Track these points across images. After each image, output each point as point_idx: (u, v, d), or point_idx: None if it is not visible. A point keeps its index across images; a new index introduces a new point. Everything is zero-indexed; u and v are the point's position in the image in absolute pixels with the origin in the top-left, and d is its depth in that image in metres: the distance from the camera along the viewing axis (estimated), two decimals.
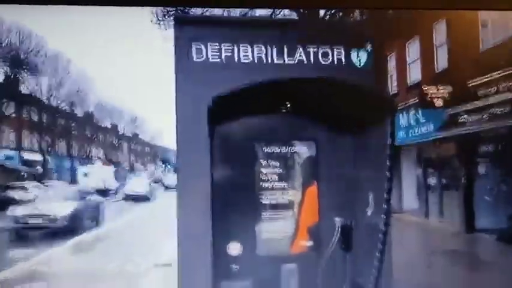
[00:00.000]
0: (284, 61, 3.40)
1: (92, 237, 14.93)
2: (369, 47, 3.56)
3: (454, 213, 13.68)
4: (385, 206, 3.02)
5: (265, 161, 3.54)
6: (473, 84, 12.18)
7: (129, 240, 14.19)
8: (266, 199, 3.52)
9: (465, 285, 7.86)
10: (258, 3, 3.18)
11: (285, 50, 3.40)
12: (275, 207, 3.52)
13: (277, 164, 3.57)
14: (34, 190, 21.14)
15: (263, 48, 3.36)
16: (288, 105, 3.48)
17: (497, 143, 11.76)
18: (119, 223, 19.80)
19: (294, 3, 3.54)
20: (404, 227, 11.50)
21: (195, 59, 3.27)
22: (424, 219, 15.53)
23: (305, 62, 3.43)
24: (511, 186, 11.12)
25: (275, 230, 3.49)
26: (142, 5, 3.45)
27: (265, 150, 3.54)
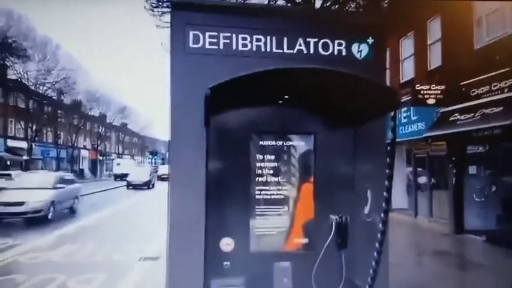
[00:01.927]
0: (283, 51, 3.28)
1: (79, 226, 14.77)
2: (370, 40, 3.45)
3: (443, 213, 13.72)
4: (384, 205, 2.90)
5: (261, 155, 3.41)
6: (466, 83, 12.15)
7: (119, 230, 14.09)
8: (260, 194, 3.38)
9: (454, 286, 7.85)
10: None
11: (285, 39, 3.27)
12: (269, 202, 3.39)
13: (273, 157, 3.43)
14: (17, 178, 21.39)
15: (262, 37, 3.24)
16: (287, 97, 3.34)
17: (489, 143, 11.76)
18: (110, 212, 19.86)
19: None
20: (393, 226, 11.38)
21: (191, 46, 3.13)
22: (413, 219, 15.59)
23: (305, 52, 3.31)
24: (501, 186, 11.14)
25: (269, 226, 3.36)
26: None
27: (261, 143, 3.40)
